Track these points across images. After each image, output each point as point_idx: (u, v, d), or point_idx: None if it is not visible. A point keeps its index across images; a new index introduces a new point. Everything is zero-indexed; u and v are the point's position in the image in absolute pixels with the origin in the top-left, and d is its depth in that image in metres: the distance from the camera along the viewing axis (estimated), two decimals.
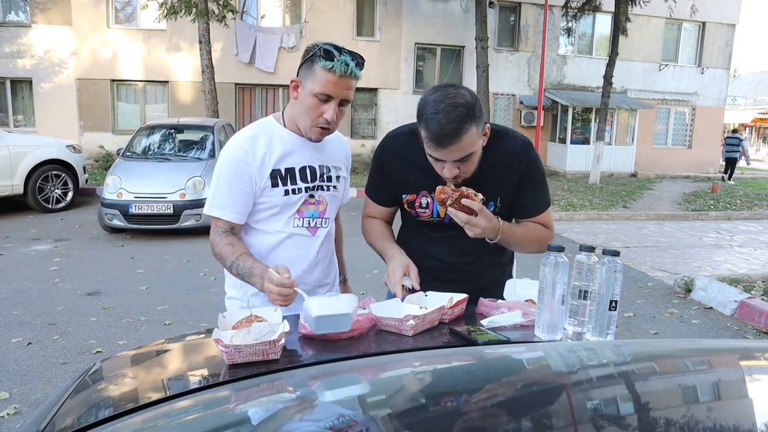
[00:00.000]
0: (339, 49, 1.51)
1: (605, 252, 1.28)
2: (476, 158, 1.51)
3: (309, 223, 1.69)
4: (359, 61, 1.55)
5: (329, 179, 1.72)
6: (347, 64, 1.50)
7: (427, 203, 1.66)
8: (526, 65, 16.15)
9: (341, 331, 1.29)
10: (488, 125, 1.56)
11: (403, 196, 1.69)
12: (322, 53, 1.49)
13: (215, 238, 1.62)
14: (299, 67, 1.57)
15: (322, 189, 1.71)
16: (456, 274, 1.71)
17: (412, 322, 1.32)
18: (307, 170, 1.66)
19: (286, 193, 1.63)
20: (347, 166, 1.84)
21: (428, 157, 1.51)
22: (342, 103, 1.56)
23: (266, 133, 1.63)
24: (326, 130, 1.59)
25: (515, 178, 1.63)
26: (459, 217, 1.50)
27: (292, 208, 1.65)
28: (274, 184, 1.61)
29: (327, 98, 1.53)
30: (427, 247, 1.75)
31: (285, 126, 1.66)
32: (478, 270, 1.74)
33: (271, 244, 1.66)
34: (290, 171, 1.63)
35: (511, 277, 1.84)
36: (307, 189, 1.66)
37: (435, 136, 1.41)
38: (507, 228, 1.57)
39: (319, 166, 1.69)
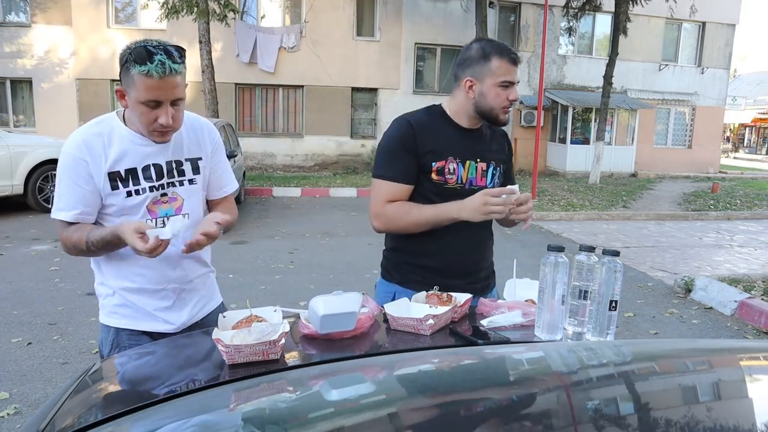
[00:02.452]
0: (154, 48, 1.39)
1: (605, 252, 1.28)
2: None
3: (164, 223, 1.59)
4: (178, 55, 1.43)
5: (181, 173, 1.63)
6: (163, 64, 1.38)
7: (454, 168, 1.77)
8: (526, 65, 16.15)
9: (346, 329, 1.29)
10: None
11: (433, 164, 1.74)
12: (134, 57, 1.38)
13: (62, 233, 1.56)
14: (120, 74, 1.46)
15: (174, 185, 1.62)
16: (470, 254, 1.84)
17: (431, 321, 1.32)
18: (152, 168, 1.57)
19: (129, 194, 1.55)
20: (210, 151, 1.71)
21: (497, 88, 1.71)
22: (174, 102, 1.45)
23: (106, 133, 1.54)
24: (167, 131, 1.51)
25: (507, 153, 1.96)
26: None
27: (139, 210, 1.57)
28: (114, 187, 1.54)
29: (156, 104, 1.43)
30: (452, 234, 1.79)
31: (125, 123, 1.56)
32: (483, 247, 1.87)
33: (129, 248, 1.54)
34: (131, 171, 1.54)
35: (492, 269, 1.99)
36: (153, 188, 1.58)
37: (511, 55, 1.71)
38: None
39: (167, 162, 1.59)
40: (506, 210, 1.62)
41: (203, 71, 11.34)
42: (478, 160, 1.80)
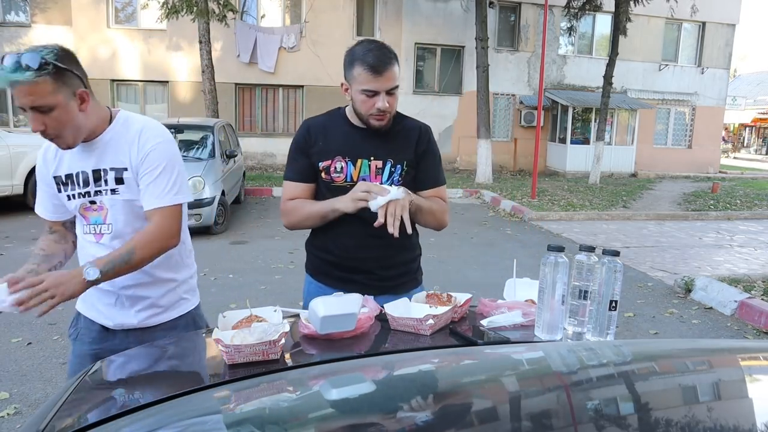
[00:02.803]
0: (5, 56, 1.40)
1: (605, 252, 1.28)
2: (398, 97, 1.78)
3: (95, 230, 1.67)
4: (25, 62, 1.38)
5: (106, 182, 1.62)
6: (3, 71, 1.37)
7: (341, 167, 1.82)
8: (526, 65, 16.15)
9: (346, 330, 1.29)
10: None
11: (320, 163, 1.82)
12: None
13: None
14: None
15: (100, 194, 1.63)
16: (367, 251, 1.83)
17: (431, 321, 1.33)
18: (80, 176, 1.63)
19: (69, 198, 1.65)
20: (138, 164, 1.60)
21: (361, 95, 1.71)
22: (39, 109, 1.43)
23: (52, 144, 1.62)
24: (53, 138, 1.52)
25: (417, 151, 1.89)
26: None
27: (76, 213, 1.68)
28: (59, 190, 1.66)
29: (24, 110, 1.45)
30: (336, 224, 1.82)
31: None
32: (387, 245, 1.78)
33: (79, 248, 1.74)
34: (69, 176, 1.64)
35: (420, 267, 2.02)
36: (81, 195, 1.64)
37: (373, 65, 1.67)
38: (410, 193, 1.74)
39: (93, 171, 1.61)
40: (377, 202, 1.62)
41: (203, 71, 11.34)
42: (372, 158, 1.82)
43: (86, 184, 1.63)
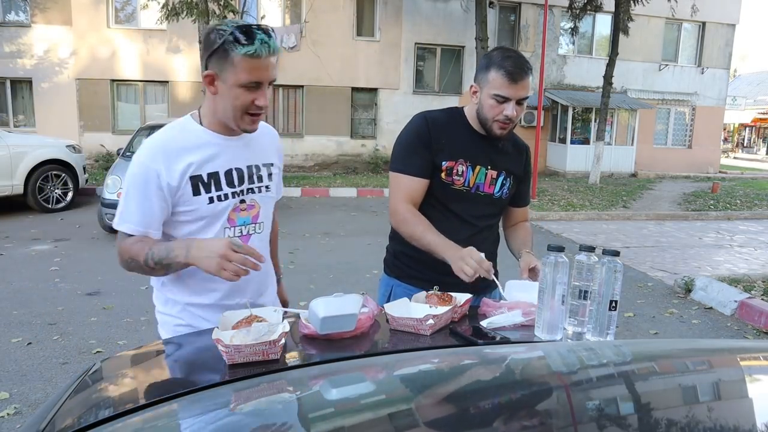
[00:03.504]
0: (250, 27, 1.35)
1: (605, 252, 1.28)
2: (524, 110, 1.76)
3: (242, 232, 1.54)
4: (275, 35, 1.38)
5: (260, 179, 1.57)
6: (267, 44, 1.34)
7: (462, 171, 1.79)
8: None
9: (346, 330, 1.29)
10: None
11: (443, 163, 1.78)
12: (235, 39, 1.33)
13: (121, 243, 1.45)
14: (207, 59, 1.40)
15: (253, 192, 1.55)
16: (460, 243, 1.74)
17: (431, 321, 1.33)
18: (234, 173, 1.50)
19: (211, 200, 1.47)
20: (280, 158, 1.68)
21: (491, 100, 1.69)
22: (271, 83, 1.42)
23: (182, 137, 1.47)
24: (260, 116, 1.46)
25: (524, 169, 1.94)
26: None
27: (221, 217, 1.49)
28: (196, 192, 1.45)
29: (256, 85, 1.39)
30: (439, 225, 1.78)
31: (202, 125, 1.49)
32: (480, 242, 1.77)
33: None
34: (214, 176, 1.47)
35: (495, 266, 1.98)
36: (235, 194, 1.51)
37: (510, 71, 1.66)
38: (530, 244, 1.90)
39: (248, 167, 1.53)
40: (476, 273, 1.56)
41: (203, 71, 11.33)
42: (489, 167, 1.81)
43: (240, 182, 1.51)
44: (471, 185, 1.81)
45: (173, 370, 1.29)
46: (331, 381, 1.03)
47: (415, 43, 15.31)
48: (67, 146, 9.01)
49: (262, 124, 1.59)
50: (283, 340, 1.17)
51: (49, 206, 8.62)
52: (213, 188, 1.47)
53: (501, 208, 1.94)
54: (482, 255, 1.61)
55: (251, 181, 1.54)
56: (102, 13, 13.72)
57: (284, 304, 1.90)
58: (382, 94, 15.32)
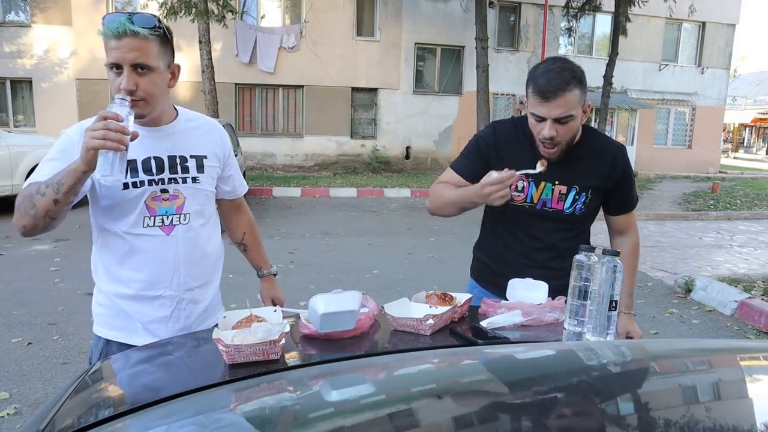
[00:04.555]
0: (122, 13, 1.37)
1: (605, 252, 1.28)
2: (574, 126, 1.60)
3: (163, 221, 1.52)
4: (142, 18, 1.37)
5: (185, 170, 1.55)
6: (121, 23, 1.34)
7: (523, 187, 1.72)
8: (526, 65, 16.14)
9: (346, 328, 1.29)
10: (588, 104, 1.66)
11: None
12: (102, 22, 1.37)
13: (18, 197, 1.45)
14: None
15: (176, 182, 1.53)
16: (537, 271, 1.68)
17: (431, 321, 1.33)
18: (152, 161, 1.49)
19: (126, 186, 1.46)
20: (220, 154, 1.66)
21: (531, 118, 1.61)
22: (136, 68, 1.38)
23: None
24: (139, 102, 1.40)
25: (610, 177, 1.76)
26: None
27: (137, 204, 1.48)
28: None
29: (118, 67, 1.37)
30: (510, 240, 1.79)
31: None
32: (558, 267, 1.69)
33: (123, 248, 1.52)
34: (131, 162, 1.45)
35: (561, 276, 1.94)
36: (152, 182, 1.49)
37: (541, 89, 1.54)
38: (627, 303, 1.85)
39: (169, 157, 1.52)
40: (505, 192, 1.52)
41: (203, 71, 11.34)
42: (557, 182, 1.71)
43: (160, 170, 1.50)
44: (535, 201, 1.72)
45: (173, 370, 1.29)
46: (331, 381, 1.03)
47: (415, 43, 15.31)
48: None
49: (202, 117, 1.64)
50: (283, 340, 1.17)
51: None
52: (128, 174, 1.45)
53: (578, 224, 1.81)
54: (497, 173, 1.52)
55: (173, 171, 1.52)
56: (102, 13, 13.69)
57: (277, 302, 1.89)
58: (382, 94, 15.32)
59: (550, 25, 15.26)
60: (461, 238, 7.52)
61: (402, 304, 1.47)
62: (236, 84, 14.43)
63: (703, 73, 17.80)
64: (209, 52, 11.31)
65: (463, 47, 15.55)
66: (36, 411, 1.18)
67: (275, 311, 1.37)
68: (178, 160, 1.54)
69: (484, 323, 1.40)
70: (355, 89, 15.17)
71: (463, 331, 1.36)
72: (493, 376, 1.00)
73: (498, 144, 1.74)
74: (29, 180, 1.45)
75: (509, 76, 15.99)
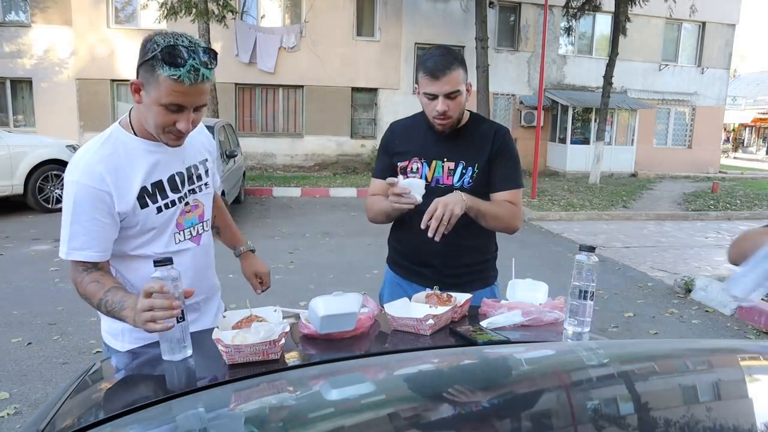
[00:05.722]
0: (186, 49, 1.26)
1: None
2: (461, 101, 1.80)
3: (191, 233, 1.53)
4: (212, 61, 1.31)
5: (199, 178, 1.56)
6: (197, 71, 1.27)
7: (417, 168, 1.89)
8: (526, 65, 16.15)
9: (346, 330, 1.29)
10: (470, 83, 1.85)
11: (398, 163, 1.91)
12: (164, 58, 1.24)
13: (77, 277, 1.39)
14: (138, 66, 1.32)
15: (195, 192, 1.54)
16: (431, 248, 1.78)
17: (431, 321, 1.33)
18: (176, 178, 1.48)
19: (159, 210, 1.44)
20: (211, 151, 1.66)
21: (424, 98, 1.79)
22: (197, 108, 1.36)
23: (119, 149, 1.39)
24: (183, 137, 1.39)
25: (490, 153, 1.89)
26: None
27: (170, 224, 1.47)
28: (143, 205, 1.41)
29: (178, 108, 1.31)
30: (413, 223, 1.85)
31: (136, 134, 1.42)
32: (457, 243, 1.86)
33: (147, 270, 1.39)
34: (158, 185, 1.43)
35: (495, 270, 2.05)
36: (180, 199, 1.49)
37: (431, 70, 1.74)
38: (471, 198, 1.73)
39: (186, 169, 1.51)
40: (405, 200, 1.69)
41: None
42: (445, 159, 1.88)
43: (182, 184, 1.49)
44: (429, 180, 1.88)
45: (173, 370, 1.29)
46: (331, 381, 1.03)
47: (415, 43, 15.30)
48: (67, 146, 9.01)
49: None
50: (283, 340, 1.17)
51: (49, 206, 8.62)
52: (159, 198, 1.44)
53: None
54: (397, 187, 1.71)
55: (191, 182, 1.52)
56: (102, 13, 13.71)
57: (261, 276, 1.85)
58: (382, 94, 15.32)
59: (550, 25, 15.25)
60: None
61: (402, 304, 1.47)
62: (236, 84, 14.42)
63: (703, 73, 17.79)
64: None
65: (463, 47, 15.54)
66: (36, 411, 1.18)
67: (275, 311, 1.37)
68: (193, 170, 1.54)
69: (484, 323, 1.40)
70: (355, 89, 15.17)
71: (463, 331, 1.36)
72: (493, 376, 1.00)
73: (395, 139, 1.96)
74: (74, 255, 1.37)
75: (509, 76, 15.98)
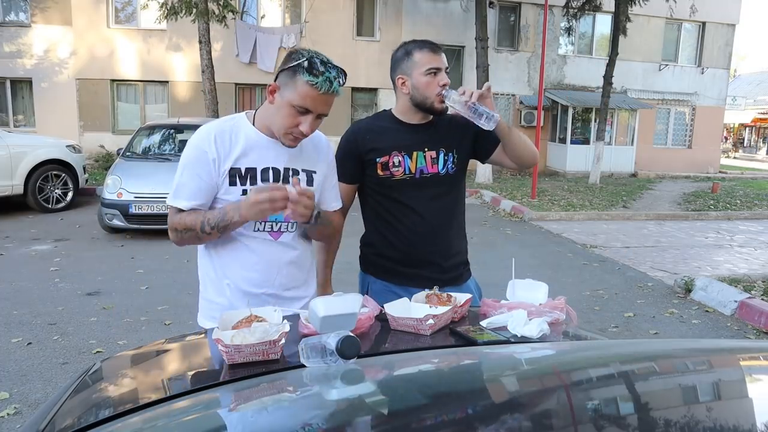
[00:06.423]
0: (325, 63, 1.49)
1: None
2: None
3: (272, 227, 1.64)
4: (343, 79, 1.53)
5: (298, 182, 1.65)
6: (330, 82, 1.47)
7: (399, 161, 1.91)
8: (526, 65, 16.15)
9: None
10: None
11: (377, 160, 1.91)
12: (306, 66, 1.47)
13: (174, 218, 1.60)
14: (279, 72, 1.53)
15: None
16: (433, 241, 1.90)
17: (431, 321, 1.33)
18: (270, 171, 1.62)
19: (244, 192, 1.58)
20: (330, 168, 1.79)
21: (425, 77, 1.83)
22: (319, 116, 1.54)
23: (233, 129, 1.61)
24: (300, 139, 1.58)
25: (471, 133, 1.98)
26: (485, 107, 1.81)
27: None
28: (232, 183, 1.59)
29: (305, 111, 1.50)
30: (398, 214, 1.94)
31: (254, 125, 1.63)
32: (446, 235, 1.92)
33: (232, 248, 1.64)
34: (251, 171, 1.60)
35: (464, 260, 2.08)
36: None
37: (431, 45, 1.85)
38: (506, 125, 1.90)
39: (285, 169, 1.65)
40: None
41: (203, 71, 11.34)
42: (426, 149, 1.92)
43: (276, 180, 1.62)
44: (413, 171, 1.91)
45: (173, 370, 1.29)
46: (331, 381, 1.03)
47: None
48: (67, 146, 9.01)
49: (315, 132, 1.70)
50: (283, 340, 1.17)
51: (49, 206, 8.62)
52: (248, 182, 1.59)
53: (453, 184, 2.01)
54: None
55: (286, 182, 1.62)
56: (102, 13, 13.72)
57: None
58: (382, 94, 15.32)
59: (550, 25, 15.25)
60: None
61: (402, 304, 1.47)
62: (236, 84, 14.43)
63: (703, 73, 17.79)
64: (209, 52, 11.31)
65: (463, 47, 15.55)
66: (36, 411, 1.18)
67: (275, 311, 1.37)
68: (291, 173, 1.65)
69: (484, 323, 1.40)
70: (355, 89, 15.17)
71: (463, 331, 1.36)
72: (493, 376, 1.00)
73: (363, 137, 1.95)
74: (176, 202, 1.61)
75: (509, 76, 15.98)
